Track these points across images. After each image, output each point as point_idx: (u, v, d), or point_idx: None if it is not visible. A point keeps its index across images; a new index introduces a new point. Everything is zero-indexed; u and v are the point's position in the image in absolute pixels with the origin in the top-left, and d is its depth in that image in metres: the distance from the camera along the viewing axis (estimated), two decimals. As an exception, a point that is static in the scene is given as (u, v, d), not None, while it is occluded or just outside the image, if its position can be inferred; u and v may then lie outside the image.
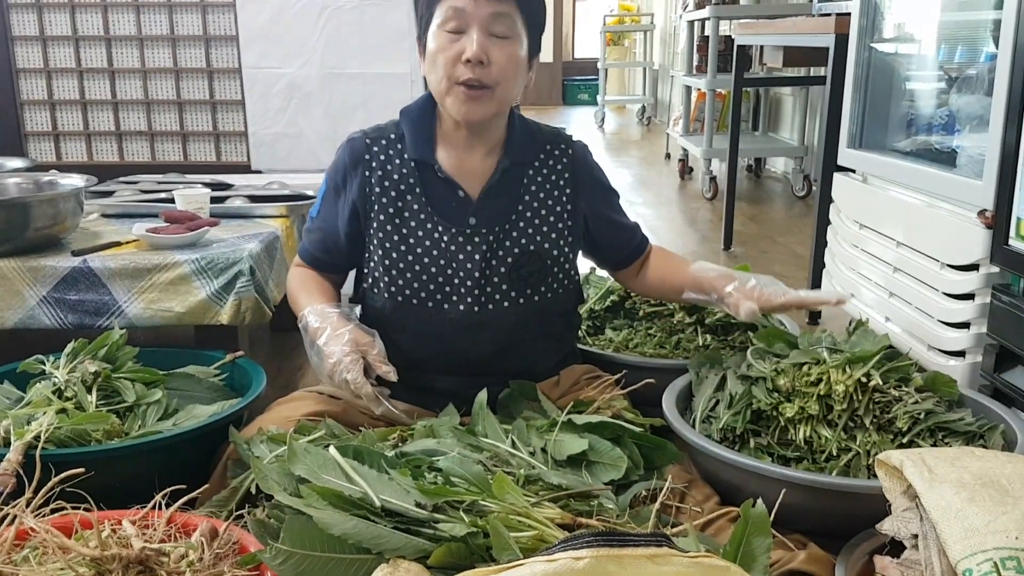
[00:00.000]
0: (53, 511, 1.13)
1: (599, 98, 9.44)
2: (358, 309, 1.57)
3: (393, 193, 1.59)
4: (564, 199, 1.64)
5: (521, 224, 1.61)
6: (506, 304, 1.59)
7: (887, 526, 1.17)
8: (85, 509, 1.14)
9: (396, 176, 1.60)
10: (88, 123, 3.38)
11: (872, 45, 2.37)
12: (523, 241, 1.60)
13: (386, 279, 1.60)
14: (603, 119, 9.29)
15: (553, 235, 1.63)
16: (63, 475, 1.15)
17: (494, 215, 1.59)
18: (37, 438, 1.38)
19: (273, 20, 3.23)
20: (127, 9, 3.29)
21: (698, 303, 1.68)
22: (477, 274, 1.57)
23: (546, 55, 12.00)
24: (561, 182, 1.65)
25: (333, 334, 1.46)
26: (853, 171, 2.40)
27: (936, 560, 1.07)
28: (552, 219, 1.63)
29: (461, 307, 1.58)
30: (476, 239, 1.58)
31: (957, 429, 1.45)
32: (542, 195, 1.63)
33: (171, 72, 3.34)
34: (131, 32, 3.31)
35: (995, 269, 1.73)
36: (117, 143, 3.40)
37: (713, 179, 4.99)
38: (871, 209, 2.25)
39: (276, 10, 3.22)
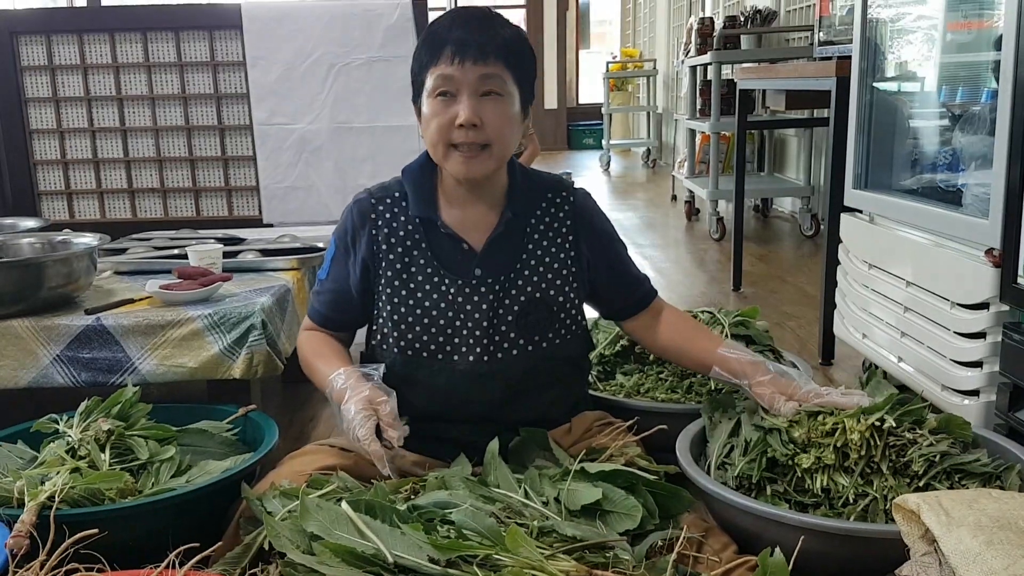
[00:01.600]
0: (67, 573, 1.13)
1: (604, 142, 9.52)
2: (382, 368, 1.57)
3: (400, 249, 1.61)
4: (567, 246, 1.66)
5: (526, 272, 1.62)
6: (515, 352, 1.60)
7: (906, 571, 1.16)
8: (98, 570, 1.14)
9: (402, 233, 1.62)
10: (100, 181, 3.43)
11: (874, 86, 2.40)
12: (528, 289, 1.61)
13: (395, 334, 1.61)
14: (608, 162, 9.36)
15: (558, 282, 1.64)
16: (77, 536, 1.15)
17: (499, 266, 1.60)
18: (51, 498, 1.38)
19: (283, 78, 3.29)
20: (139, 69, 3.35)
21: (725, 382, 1.67)
22: (485, 324, 1.58)
23: (551, 101, 12.17)
24: (564, 229, 1.66)
25: (352, 395, 1.48)
26: (860, 211, 2.41)
27: (957, 606, 1.05)
28: (556, 266, 1.64)
29: (471, 357, 1.58)
30: (482, 289, 1.59)
31: (973, 470, 1.44)
32: (545, 243, 1.64)
33: (183, 130, 3.40)
34: (143, 91, 3.37)
35: (1005, 307, 1.72)
36: (130, 200, 3.44)
37: (720, 220, 5.01)
38: (879, 249, 2.26)
39: (286, 68, 3.28)
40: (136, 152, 3.40)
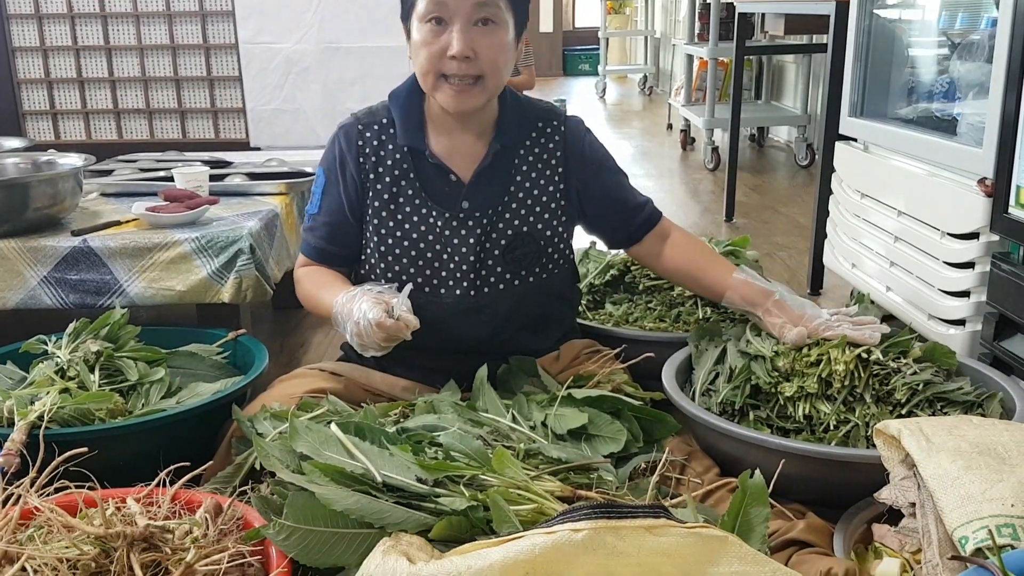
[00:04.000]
0: (57, 490, 1.14)
1: (600, 68, 9.37)
2: (408, 287, 1.49)
3: (388, 179, 1.58)
4: (556, 178, 1.63)
5: (513, 206, 1.60)
6: (501, 287, 1.59)
7: (885, 495, 1.18)
8: (89, 488, 1.15)
9: (390, 162, 1.59)
10: (86, 102, 3.38)
11: (874, 12, 2.35)
12: (516, 223, 1.59)
13: (382, 265, 1.60)
14: (604, 89, 9.22)
15: (546, 216, 1.62)
16: (67, 454, 1.15)
17: (486, 198, 1.58)
18: (40, 418, 1.39)
19: (270, -7, 3.21)
20: (123, -16, 3.27)
21: (737, 308, 1.66)
22: (472, 258, 1.57)
23: (546, 25, 11.92)
24: (553, 161, 1.63)
25: (363, 295, 1.41)
26: (855, 140, 2.39)
27: (933, 528, 1.08)
28: (544, 199, 1.62)
29: (457, 291, 1.58)
30: (469, 223, 1.57)
31: (956, 399, 1.46)
32: (534, 175, 1.62)
33: (168, 48, 3.33)
34: (127, 8, 3.29)
35: (995, 237, 1.72)
36: (115, 121, 3.39)
37: (715, 150, 4.97)
38: (872, 178, 2.24)
39: (272, -17, 3.20)
40: (121, 71, 3.34)
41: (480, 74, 1.48)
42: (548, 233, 1.62)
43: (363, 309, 1.38)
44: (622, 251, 1.84)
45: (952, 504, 1.04)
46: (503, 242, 1.58)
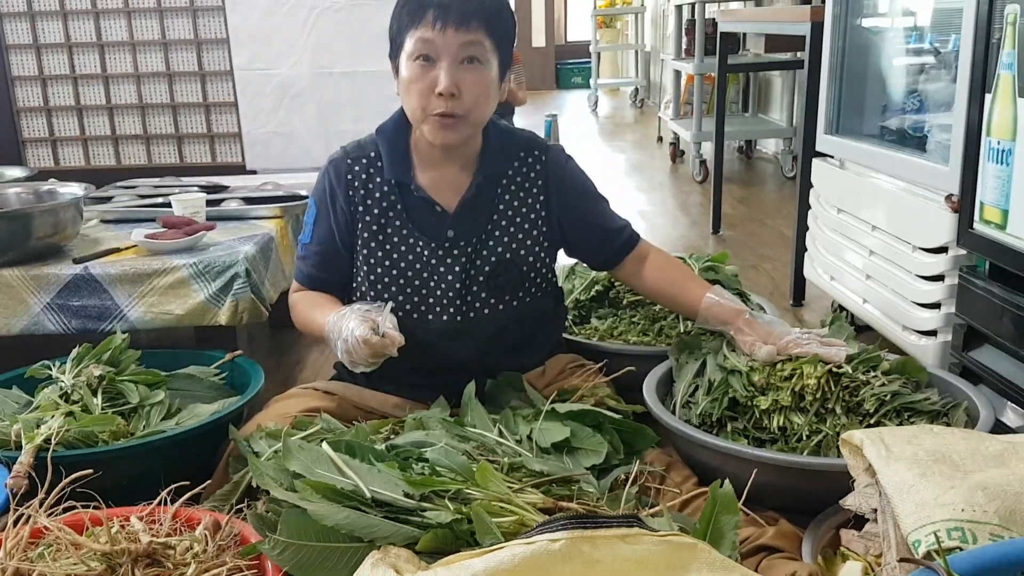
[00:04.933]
0: (65, 510, 1.20)
1: (592, 81, 9.45)
2: (389, 304, 1.58)
3: (376, 211, 1.65)
4: (538, 206, 1.70)
5: (497, 234, 1.66)
6: (486, 312, 1.66)
7: (850, 501, 1.24)
8: (95, 507, 1.21)
9: (378, 195, 1.65)
10: (84, 128, 3.45)
11: (848, 32, 2.42)
12: (499, 250, 1.66)
13: (372, 293, 1.66)
14: (596, 102, 9.31)
15: (528, 242, 1.68)
16: (74, 476, 1.22)
17: (471, 228, 1.65)
18: (47, 441, 1.45)
19: (262, 22, 3.28)
20: (119, 15, 3.34)
21: (709, 327, 1.72)
22: (458, 285, 1.63)
23: (539, 39, 12.02)
24: (535, 190, 1.70)
25: (351, 314, 1.48)
26: (831, 156, 2.46)
27: (892, 532, 1.14)
28: (527, 227, 1.69)
29: (444, 317, 1.64)
30: (455, 252, 1.64)
31: (922, 408, 1.52)
32: (516, 203, 1.68)
33: (164, 76, 3.40)
34: (123, 38, 3.37)
35: (963, 252, 1.79)
36: (113, 147, 3.46)
37: (703, 162, 5.04)
38: (848, 194, 2.31)
39: (265, 12, 3.27)
40: (118, 99, 3.42)
41: (464, 112, 1.54)
42: (531, 259, 1.69)
43: (351, 327, 1.44)
44: None
45: (908, 510, 1.10)
46: (487, 269, 1.65)
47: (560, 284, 1.89)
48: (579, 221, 1.74)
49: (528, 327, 1.72)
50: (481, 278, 1.65)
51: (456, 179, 1.66)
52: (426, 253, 1.64)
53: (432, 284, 1.64)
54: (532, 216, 1.69)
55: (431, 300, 1.65)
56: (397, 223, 1.65)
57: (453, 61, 1.51)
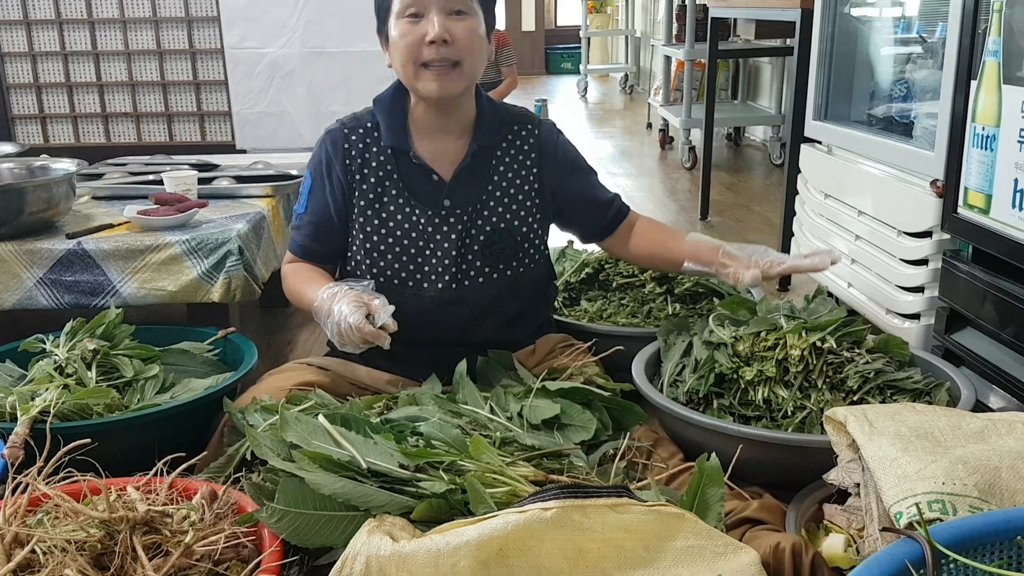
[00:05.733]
0: (62, 479, 1.22)
1: (582, 67, 9.45)
2: (372, 282, 1.59)
3: (372, 180, 1.67)
4: (531, 178, 1.73)
5: (492, 204, 1.69)
6: (481, 280, 1.68)
7: (833, 476, 1.27)
8: (92, 477, 1.23)
9: (374, 163, 1.68)
10: (74, 106, 3.43)
11: (837, 18, 2.45)
12: (494, 220, 1.69)
13: (367, 262, 1.68)
14: (586, 88, 9.31)
15: (522, 213, 1.71)
16: (72, 444, 1.23)
17: (466, 196, 1.68)
18: (42, 412, 1.46)
19: (253, 1, 3.27)
20: (110, -9, 3.33)
21: (697, 274, 1.75)
22: (453, 252, 1.66)
23: (528, 23, 12.00)
24: (528, 162, 1.73)
25: (343, 296, 1.49)
26: (819, 142, 2.49)
27: (874, 505, 1.17)
28: (521, 197, 1.72)
29: (439, 285, 1.67)
30: (451, 220, 1.66)
31: (905, 387, 1.55)
32: (510, 175, 1.72)
33: (155, 53, 3.39)
34: (114, 15, 3.35)
35: (946, 236, 1.82)
36: (103, 125, 3.45)
37: (692, 149, 5.07)
38: (835, 179, 2.34)
39: (256, -9, 3.27)
40: (108, 76, 3.40)
41: (457, 59, 1.58)
42: (524, 229, 1.72)
43: (344, 312, 1.45)
44: (596, 249, 1.93)
45: (890, 483, 1.13)
46: (482, 238, 1.68)
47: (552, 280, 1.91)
48: (571, 192, 1.78)
49: (520, 297, 1.75)
50: (476, 247, 1.68)
51: (452, 148, 1.69)
52: (422, 221, 1.66)
53: (428, 252, 1.67)
54: (526, 187, 1.72)
55: (426, 268, 1.67)
56: (393, 192, 1.67)
57: (441, 11, 1.56)
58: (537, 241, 1.75)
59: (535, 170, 1.74)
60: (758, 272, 1.59)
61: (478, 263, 1.68)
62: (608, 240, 1.85)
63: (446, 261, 1.67)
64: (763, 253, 1.65)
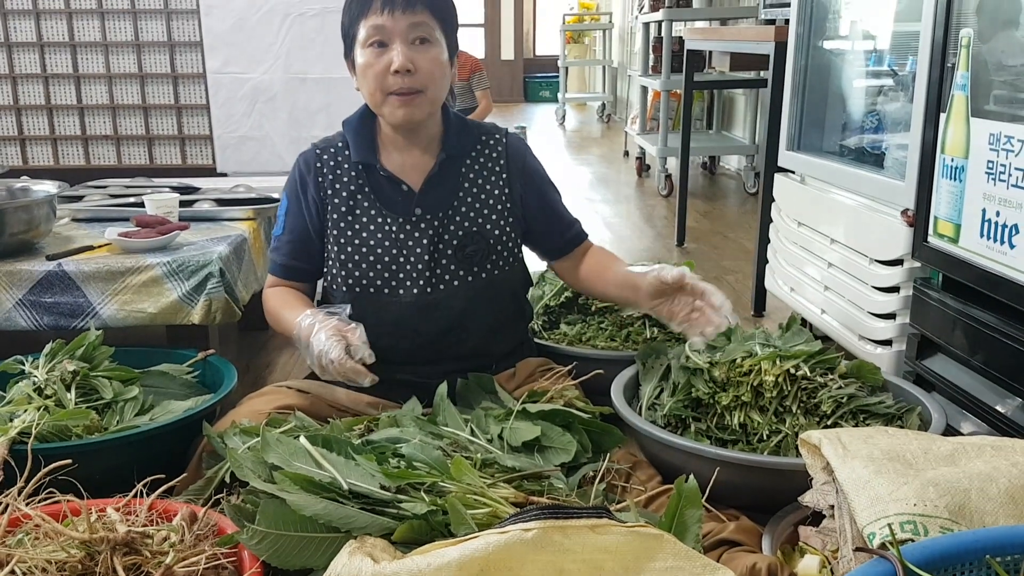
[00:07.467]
0: (42, 500, 1.21)
1: (560, 96, 9.55)
2: (347, 308, 1.63)
3: (344, 194, 1.72)
4: (501, 183, 1.77)
5: (463, 208, 1.73)
6: (456, 283, 1.72)
7: (808, 498, 1.30)
8: (71, 498, 1.22)
9: (346, 179, 1.72)
10: (54, 128, 3.43)
11: (810, 52, 2.51)
12: (466, 224, 1.72)
13: (343, 273, 1.71)
14: (564, 116, 9.41)
15: (493, 216, 1.75)
16: (52, 465, 1.23)
17: (436, 203, 1.72)
18: (21, 433, 1.46)
19: (237, 26, 3.30)
20: (92, 16, 3.34)
21: (616, 301, 1.78)
22: (426, 257, 1.69)
23: (507, 52, 12.12)
24: (497, 168, 1.78)
25: (321, 327, 1.52)
26: (792, 172, 2.54)
27: (848, 527, 1.20)
28: (491, 202, 1.76)
29: (415, 290, 1.70)
30: (422, 226, 1.70)
31: (877, 411, 1.59)
32: (480, 181, 1.76)
33: (136, 77, 3.40)
34: (96, 38, 3.36)
35: (917, 264, 1.87)
36: (83, 147, 3.45)
37: (668, 177, 5.13)
38: (808, 208, 2.39)
39: (239, 16, 3.29)
40: (89, 99, 3.40)
41: (421, 87, 1.63)
42: (496, 232, 1.75)
43: (324, 347, 1.48)
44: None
45: (863, 505, 1.16)
46: (455, 242, 1.71)
47: (528, 291, 1.93)
48: (536, 204, 1.82)
49: (495, 302, 1.77)
50: (449, 251, 1.71)
51: (420, 160, 1.73)
52: (394, 229, 1.70)
53: (401, 259, 1.70)
54: (496, 192, 1.76)
55: (401, 275, 1.70)
56: (365, 204, 1.71)
57: (405, 40, 1.60)
58: (510, 244, 1.79)
59: (504, 175, 1.78)
60: (649, 288, 1.63)
61: (452, 267, 1.72)
62: (561, 262, 1.89)
63: (419, 266, 1.70)
64: (660, 269, 1.67)
